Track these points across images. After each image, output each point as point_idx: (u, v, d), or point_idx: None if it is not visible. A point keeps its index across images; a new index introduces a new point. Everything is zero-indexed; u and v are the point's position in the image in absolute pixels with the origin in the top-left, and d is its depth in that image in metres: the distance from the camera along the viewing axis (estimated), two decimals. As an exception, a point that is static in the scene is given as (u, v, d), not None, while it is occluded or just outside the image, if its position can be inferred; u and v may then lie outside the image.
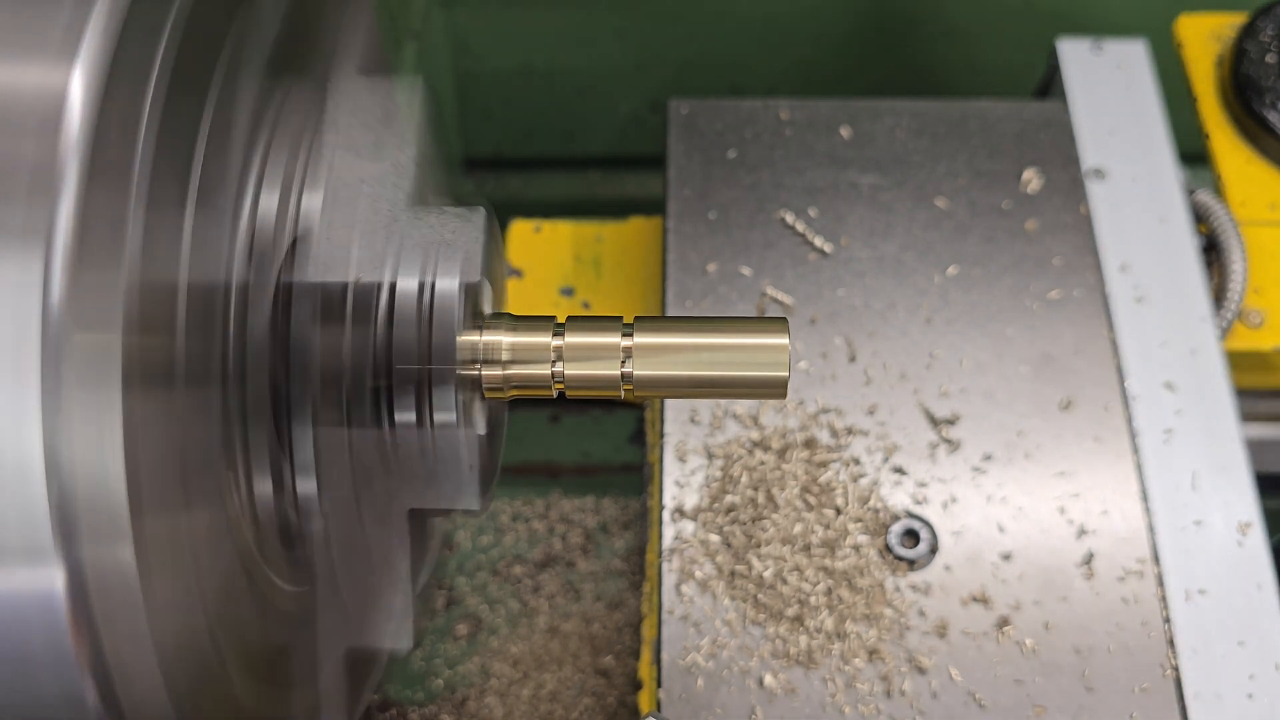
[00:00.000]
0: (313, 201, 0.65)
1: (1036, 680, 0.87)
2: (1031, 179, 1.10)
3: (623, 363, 0.66)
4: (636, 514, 1.46)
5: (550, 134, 1.80)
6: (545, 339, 0.67)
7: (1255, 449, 1.01)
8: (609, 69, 1.70)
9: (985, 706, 0.86)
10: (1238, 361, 1.04)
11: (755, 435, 0.96)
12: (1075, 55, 1.20)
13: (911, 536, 0.93)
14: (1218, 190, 1.15)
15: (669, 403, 0.98)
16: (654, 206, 1.16)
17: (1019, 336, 1.01)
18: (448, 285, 0.66)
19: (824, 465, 0.95)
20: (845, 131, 1.13)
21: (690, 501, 0.94)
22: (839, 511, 0.93)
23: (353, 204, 0.67)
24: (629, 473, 1.46)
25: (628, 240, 1.21)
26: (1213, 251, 1.10)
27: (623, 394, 0.67)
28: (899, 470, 0.95)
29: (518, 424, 1.45)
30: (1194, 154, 1.22)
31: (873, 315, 1.03)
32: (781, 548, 0.91)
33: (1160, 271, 1.06)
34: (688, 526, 0.93)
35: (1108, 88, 1.17)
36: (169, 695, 0.50)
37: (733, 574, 0.91)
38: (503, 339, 0.68)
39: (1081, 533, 0.93)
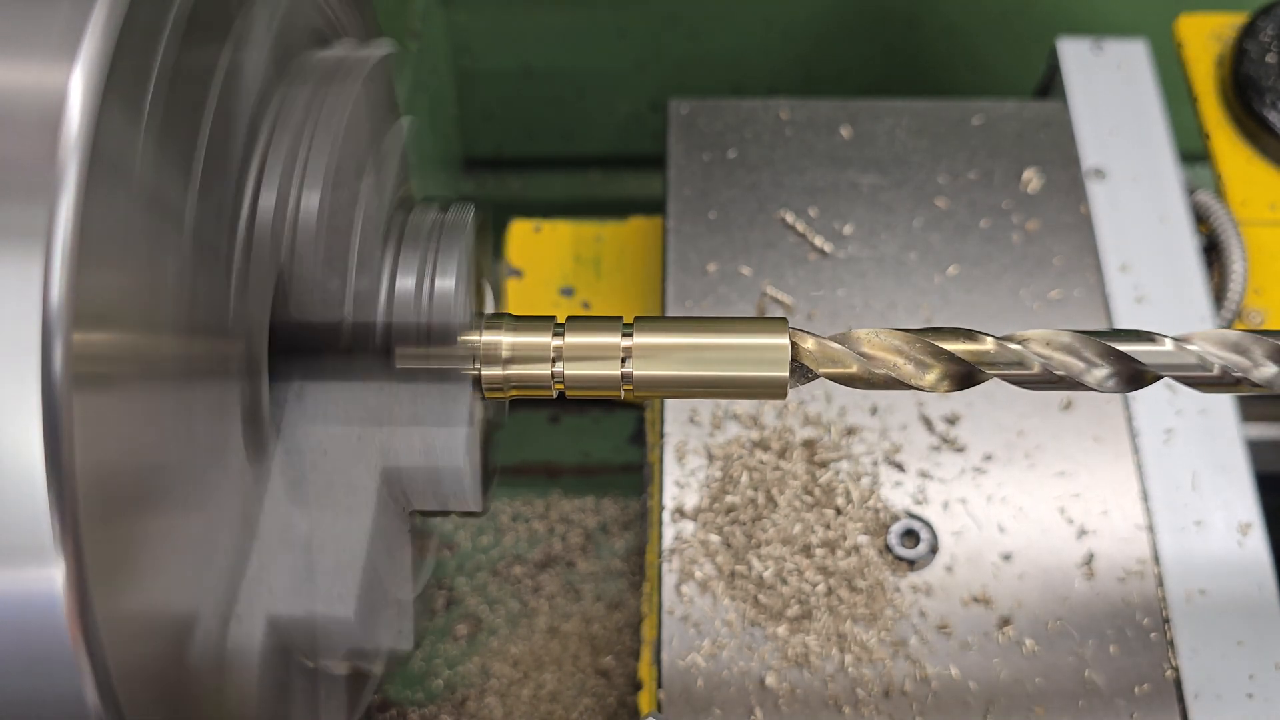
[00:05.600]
0: (311, 200, 0.65)
1: (1036, 680, 0.87)
2: (1031, 179, 1.10)
3: (622, 363, 0.66)
4: (636, 514, 1.46)
5: (550, 134, 1.80)
6: (545, 339, 0.67)
7: (1255, 449, 1.01)
8: (609, 69, 1.70)
9: (985, 706, 0.86)
10: (1238, 361, 1.04)
11: (755, 435, 0.96)
12: (1075, 55, 1.20)
13: (911, 536, 0.93)
14: (1218, 190, 1.15)
15: (669, 403, 0.98)
16: (654, 206, 1.16)
17: (1019, 336, 1.01)
18: (446, 284, 0.66)
19: (824, 465, 0.95)
20: (845, 131, 1.13)
21: (690, 502, 0.94)
22: (839, 511, 0.93)
23: (351, 202, 0.67)
24: (629, 473, 1.46)
25: (628, 240, 1.21)
26: (1213, 251, 1.10)
27: (623, 394, 0.67)
28: (899, 470, 0.95)
29: (518, 424, 1.45)
30: (1194, 154, 1.22)
31: (873, 315, 1.03)
32: (781, 548, 0.91)
33: (1160, 271, 1.06)
34: (688, 527, 0.93)
35: (1108, 87, 1.17)
36: (169, 696, 0.50)
37: (733, 574, 0.91)
38: (502, 339, 0.68)
39: (1081, 533, 0.93)
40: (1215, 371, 0.64)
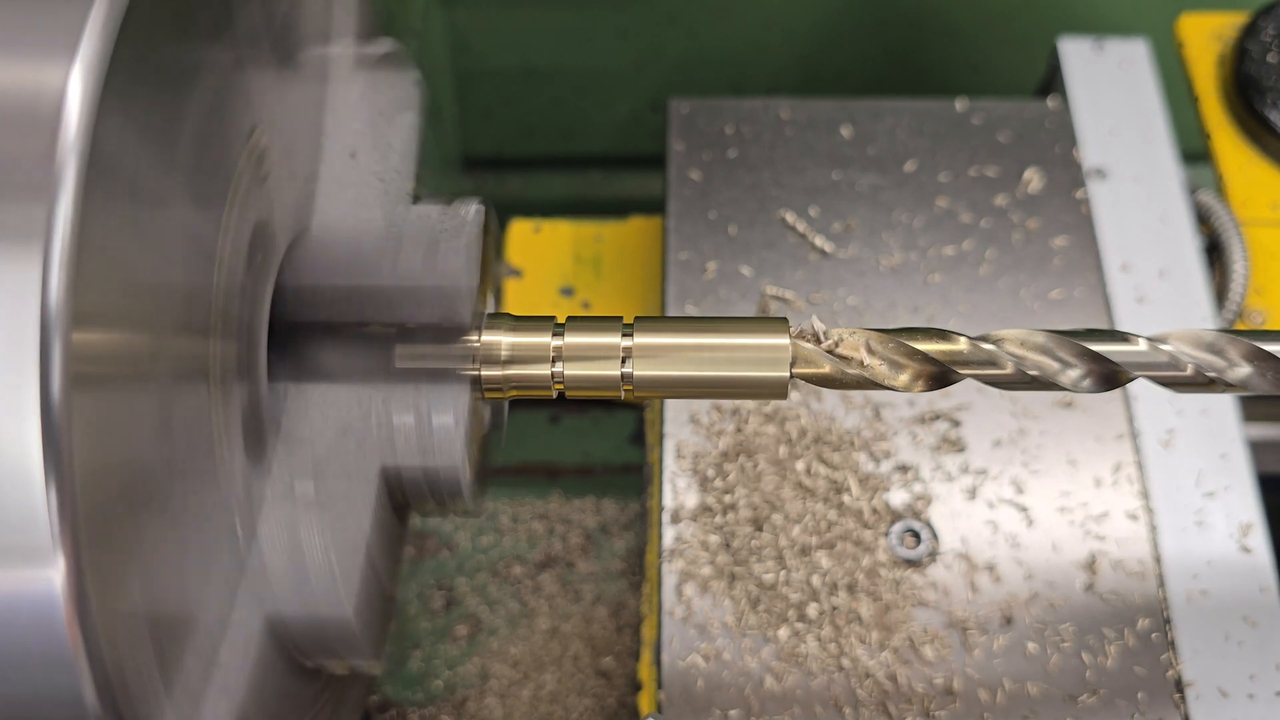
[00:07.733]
0: (311, 200, 0.65)
1: (1037, 681, 0.87)
2: (1032, 179, 1.10)
3: (623, 363, 0.66)
4: (636, 515, 1.46)
5: (550, 134, 1.80)
6: (545, 339, 0.67)
7: (1256, 449, 1.01)
8: (609, 69, 1.70)
9: (986, 707, 0.86)
10: (1239, 361, 1.04)
11: (756, 435, 0.96)
12: (1076, 54, 1.20)
13: (913, 536, 0.92)
14: (1219, 190, 1.15)
15: (669, 403, 0.98)
16: (654, 206, 1.15)
17: (1019, 336, 1.01)
18: (450, 280, 0.66)
19: (825, 465, 0.95)
20: (845, 131, 1.13)
21: (690, 502, 0.94)
22: (840, 512, 0.93)
23: (351, 202, 0.66)
24: (629, 473, 1.46)
25: (628, 240, 1.21)
26: (1214, 251, 1.10)
27: (623, 394, 0.67)
28: (900, 470, 0.95)
29: (518, 424, 1.45)
30: (1195, 153, 1.22)
31: (873, 315, 1.03)
32: (782, 549, 0.91)
33: (1162, 271, 1.06)
34: (688, 527, 0.93)
35: (1109, 87, 1.17)
36: (168, 696, 0.50)
37: (733, 575, 0.91)
38: (502, 339, 0.68)
39: (1082, 533, 0.93)
40: (1188, 371, 0.64)
